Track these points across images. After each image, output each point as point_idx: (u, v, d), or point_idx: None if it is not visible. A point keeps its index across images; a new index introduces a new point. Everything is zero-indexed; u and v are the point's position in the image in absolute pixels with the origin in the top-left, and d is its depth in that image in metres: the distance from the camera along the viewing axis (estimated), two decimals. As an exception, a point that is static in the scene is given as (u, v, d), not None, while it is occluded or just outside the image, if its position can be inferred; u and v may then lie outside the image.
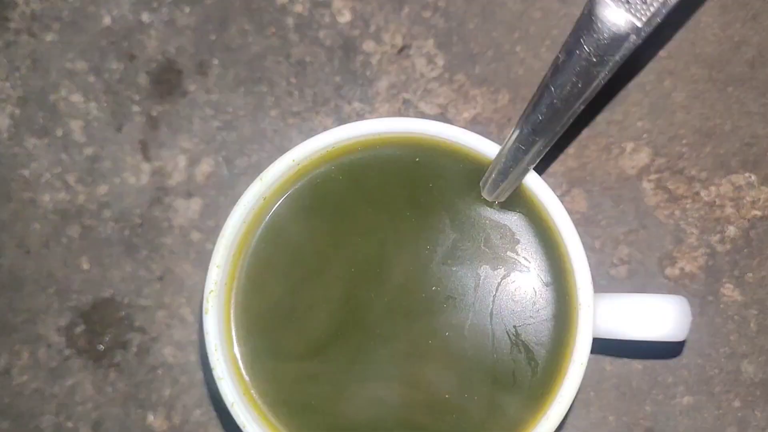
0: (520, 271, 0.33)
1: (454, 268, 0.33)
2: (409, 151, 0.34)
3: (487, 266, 0.33)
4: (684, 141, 0.39)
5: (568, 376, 0.31)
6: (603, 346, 0.37)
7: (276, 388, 0.33)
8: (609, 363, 0.39)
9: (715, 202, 0.39)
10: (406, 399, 0.33)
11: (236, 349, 0.33)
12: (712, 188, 0.39)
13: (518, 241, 0.33)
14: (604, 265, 0.39)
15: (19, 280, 0.41)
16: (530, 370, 0.32)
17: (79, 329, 0.41)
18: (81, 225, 0.41)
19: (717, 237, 0.39)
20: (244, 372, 0.33)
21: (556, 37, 0.39)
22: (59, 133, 0.41)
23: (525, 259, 0.33)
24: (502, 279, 0.33)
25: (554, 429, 0.31)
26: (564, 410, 0.31)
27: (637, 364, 0.39)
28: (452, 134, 0.33)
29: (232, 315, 0.33)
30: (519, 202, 0.33)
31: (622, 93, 0.39)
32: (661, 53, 0.39)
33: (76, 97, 0.41)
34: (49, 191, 0.41)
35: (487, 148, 0.32)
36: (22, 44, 0.41)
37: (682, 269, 0.39)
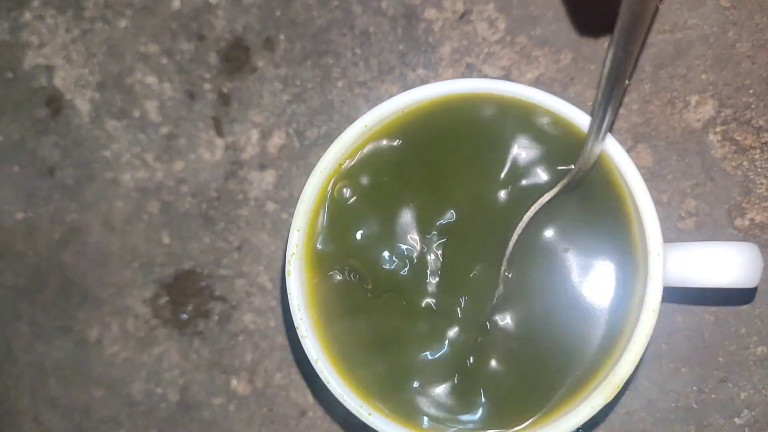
0: (590, 224, 0.33)
1: (527, 222, 0.33)
2: (480, 111, 0.34)
3: (560, 222, 0.33)
4: (750, 91, 0.39)
5: (639, 323, 0.31)
6: (673, 297, 0.37)
7: (355, 345, 0.34)
8: (680, 315, 0.39)
9: (784, 151, 0.39)
10: (488, 367, 0.34)
11: (318, 309, 0.34)
12: (781, 138, 0.39)
13: (588, 195, 0.33)
14: (671, 219, 0.39)
15: (105, 256, 0.43)
16: (602, 319, 0.32)
17: (163, 300, 0.42)
18: (160, 201, 0.42)
19: (787, 186, 0.39)
20: (325, 330, 0.34)
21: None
22: (136, 114, 0.43)
23: (595, 212, 0.33)
24: (575, 233, 0.33)
25: (627, 377, 0.31)
26: (636, 358, 0.31)
27: (709, 316, 0.38)
28: (516, 91, 0.33)
29: (312, 276, 0.34)
30: None
31: (685, 46, 0.39)
32: (724, 3, 0.39)
33: (151, 79, 0.43)
34: (129, 170, 0.43)
35: (545, 100, 0.33)
36: (97, 32, 0.43)
37: (752, 220, 0.39)
